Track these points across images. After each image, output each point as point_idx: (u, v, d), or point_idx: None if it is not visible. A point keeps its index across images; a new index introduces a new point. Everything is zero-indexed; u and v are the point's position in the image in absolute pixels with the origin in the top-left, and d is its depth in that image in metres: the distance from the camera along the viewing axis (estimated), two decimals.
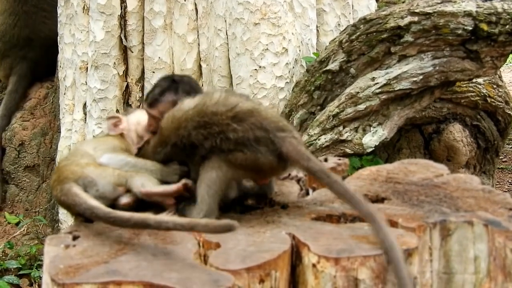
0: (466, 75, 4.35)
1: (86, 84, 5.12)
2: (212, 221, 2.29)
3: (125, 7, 4.99)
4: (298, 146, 2.46)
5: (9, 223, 5.50)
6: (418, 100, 4.44)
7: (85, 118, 5.14)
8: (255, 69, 4.61)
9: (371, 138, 4.38)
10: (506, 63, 7.07)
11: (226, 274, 2.12)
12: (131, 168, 2.62)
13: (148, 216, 2.32)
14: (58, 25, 5.43)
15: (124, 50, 5.04)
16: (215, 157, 2.45)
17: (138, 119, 2.82)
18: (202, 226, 2.25)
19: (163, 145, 2.59)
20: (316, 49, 4.90)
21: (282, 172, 2.57)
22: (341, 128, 4.37)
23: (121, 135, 2.82)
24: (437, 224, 2.42)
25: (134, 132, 2.81)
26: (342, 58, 4.45)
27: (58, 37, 5.44)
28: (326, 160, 3.11)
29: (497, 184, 6.44)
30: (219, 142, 2.44)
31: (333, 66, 4.46)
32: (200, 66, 4.95)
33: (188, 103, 2.55)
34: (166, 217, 2.32)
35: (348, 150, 4.35)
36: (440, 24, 4.25)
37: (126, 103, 5.06)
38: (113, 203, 2.56)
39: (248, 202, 2.71)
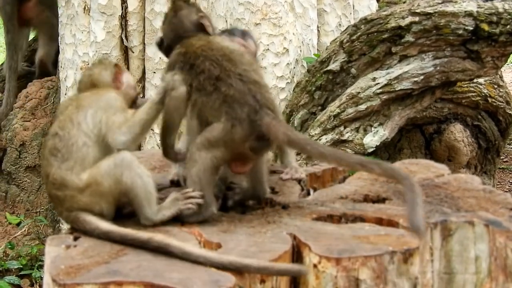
0: (467, 75, 4.35)
1: None
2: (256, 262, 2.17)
3: (126, 7, 5.00)
4: (281, 122, 2.43)
5: (10, 223, 5.50)
6: (419, 100, 4.44)
7: None
8: None
9: (372, 138, 4.38)
10: (507, 63, 7.07)
11: (227, 274, 2.12)
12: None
13: (171, 242, 2.23)
14: (59, 26, 5.43)
15: (125, 51, 5.04)
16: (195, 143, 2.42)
17: (129, 80, 2.62)
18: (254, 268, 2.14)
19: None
20: (317, 49, 4.90)
21: (256, 155, 2.47)
22: (342, 128, 4.37)
23: (117, 89, 2.56)
24: (438, 224, 2.42)
25: (129, 95, 2.59)
26: (343, 58, 4.45)
27: (59, 38, 5.45)
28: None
29: (498, 184, 6.44)
30: (207, 83, 2.41)
31: (334, 66, 4.47)
32: None
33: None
34: (197, 249, 2.22)
35: (349, 150, 4.35)
36: (441, 24, 4.25)
37: None
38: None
39: (249, 202, 2.71)
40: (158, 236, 2.26)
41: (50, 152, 2.41)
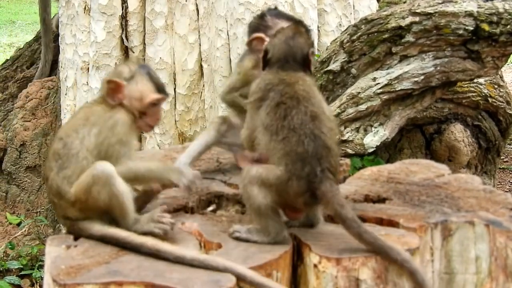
0: (467, 75, 4.35)
1: (87, 84, 5.12)
2: None
3: (126, 7, 5.00)
4: (336, 191, 2.34)
5: (10, 223, 5.51)
6: (419, 100, 4.44)
7: None
8: None
9: (372, 138, 4.38)
10: (507, 63, 7.06)
11: (227, 275, 2.12)
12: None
13: (162, 248, 2.22)
14: (60, 26, 5.43)
15: (125, 51, 5.05)
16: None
17: (141, 92, 2.45)
18: None
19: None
20: (317, 49, 4.90)
21: (307, 208, 2.41)
22: (342, 128, 4.37)
23: (120, 104, 2.45)
24: (438, 224, 2.42)
25: (135, 107, 2.45)
26: (343, 58, 4.45)
27: (59, 38, 5.45)
28: None
29: (498, 184, 6.44)
30: (282, 114, 2.36)
31: (334, 66, 4.46)
32: (201, 67, 4.95)
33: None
34: (189, 253, 2.20)
35: (349, 150, 4.35)
36: (441, 24, 4.25)
37: None
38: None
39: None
40: (150, 242, 2.26)
41: (53, 155, 2.40)
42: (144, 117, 2.45)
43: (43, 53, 6.09)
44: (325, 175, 2.32)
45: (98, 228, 2.35)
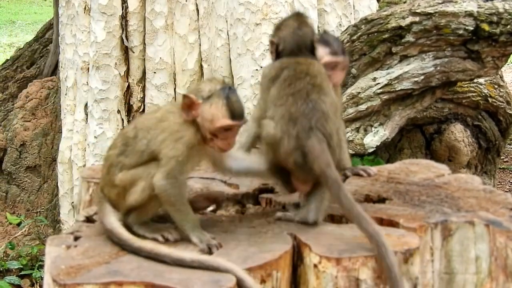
0: (468, 75, 4.35)
1: (87, 84, 5.12)
2: None
3: (126, 7, 5.00)
4: (324, 150, 2.39)
5: (10, 223, 5.51)
6: (419, 100, 4.44)
7: (86, 119, 5.15)
8: (257, 70, 4.61)
9: (373, 138, 4.38)
10: (507, 63, 7.07)
11: (227, 275, 2.12)
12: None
13: (160, 251, 2.24)
14: (60, 26, 5.43)
15: (125, 51, 5.05)
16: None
17: (213, 115, 2.39)
18: None
19: None
20: None
21: (303, 174, 2.45)
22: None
23: (193, 121, 2.40)
24: (438, 224, 2.42)
25: (206, 128, 2.40)
26: None
27: (60, 38, 5.45)
28: None
29: (498, 184, 6.44)
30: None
31: None
32: (201, 67, 4.95)
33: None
34: (188, 254, 2.21)
35: (349, 151, 4.35)
36: (441, 24, 4.25)
37: (128, 103, 5.06)
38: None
39: (249, 205, 2.71)
40: (149, 245, 2.27)
41: (122, 137, 2.46)
42: (216, 139, 2.40)
43: (52, 51, 6.06)
44: (314, 133, 2.39)
45: (111, 221, 2.38)
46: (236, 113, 2.39)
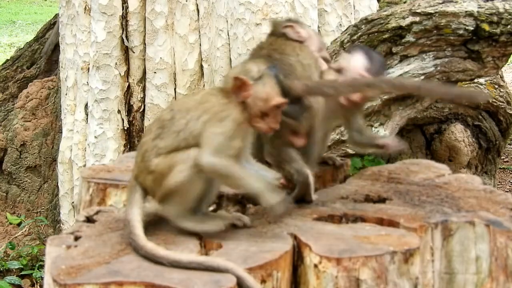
0: (468, 75, 4.35)
1: (88, 84, 5.12)
2: None
3: (127, 7, 5.00)
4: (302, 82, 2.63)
5: (10, 223, 5.51)
6: (419, 100, 4.44)
7: (87, 119, 5.15)
8: None
9: None
10: (507, 63, 7.06)
11: (227, 275, 2.12)
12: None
13: (158, 252, 2.23)
14: (60, 26, 5.43)
15: (126, 51, 5.04)
16: None
17: (268, 94, 2.43)
18: None
19: None
20: None
21: (294, 121, 2.60)
22: (342, 128, 4.37)
23: (242, 102, 2.43)
24: (439, 224, 2.42)
25: (258, 108, 2.43)
26: None
27: (60, 38, 5.45)
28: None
29: (498, 184, 6.44)
30: None
31: (335, 66, 4.46)
32: (201, 67, 4.95)
33: None
34: (185, 256, 2.20)
35: (349, 151, 4.35)
36: (442, 24, 4.25)
37: (128, 103, 5.06)
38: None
39: (249, 205, 2.71)
40: (148, 245, 2.26)
41: (158, 121, 2.44)
42: (266, 118, 2.43)
43: (54, 31, 6.03)
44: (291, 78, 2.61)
45: (132, 211, 2.37)
46: (285, 91, 2.47)
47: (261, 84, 2.42)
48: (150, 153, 2.40)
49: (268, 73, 2.45)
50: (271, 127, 2.44)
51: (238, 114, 2.41)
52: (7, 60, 6.67)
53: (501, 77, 5.22)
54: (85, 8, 5.12)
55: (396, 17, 4.35)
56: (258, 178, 2.40)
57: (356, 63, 2.80)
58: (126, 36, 5.01)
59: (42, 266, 4.75)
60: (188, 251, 2.27)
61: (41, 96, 5.88)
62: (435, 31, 4.27)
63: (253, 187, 2.37)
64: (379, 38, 4.36)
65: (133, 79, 5.06)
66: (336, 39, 4.60)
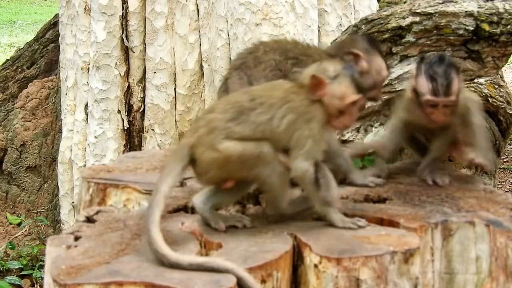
0: (468, 75, 4.35)
1: (88, 84, 5.12)
2: None
3: (127, 7, 5.00)
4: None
5: (10, 223, 5.50)
6: None
7: (87, 119, 5.15)
8: None
9: (373, 139, 4.38)
10: (507, 63, 7.07)
11: (227, 275, 2.12)
12: None
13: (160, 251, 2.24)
14: (60, 26, 5.43)
15: (126, 51, 5.04)
16: None
17: (343, 92, 2.48)
18: None
19: None
20: None
21: None
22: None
23: (319, 100, 2.48)
24: (439, 224, 2.42)
25: (334, 106, 2.48)
26: None
27: (60, 38, 5.45)
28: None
29: (498, 185, 6.44)
30: None
31: None
32: (201, 67, 4.95)
33: None
34: (186, 257, 2.20)
35: (349, 151, 4.35)
36: (442, 24, 4.25)
37: (128, 103, 5.06)
38: None
39: (249, 204, 2.71)
40: (158, 236, 2.25)
41: (235, 102, 2.45)
42: (341, 116, 2.49)
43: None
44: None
45: (161, 184, 2.35)
46: (360, 89, 2.51)
47: (336, 82, 2.47)
48: (221, 132, 2.38)
49: (344, 73, 2.49)
50: (346, 125, 2.52)
51: (322, 114, 2.46)
52: (7, 60, 6.67)
53: (501, 77, 5.21)
54: (85, 8, 5.12)
55: (396, 17, 4.35)
56: (326, 196, 2.46)
57: (422, 88, 2.82)
58: (126, 36, 5.01)
59: (42, 266, 4.75)
60: (188, 251, 2.27)
61: (41, 96, 5.88)
62: (435, 31, 4.27)
63: (320, 203, 2.46)
64: (379, 38, 4.36)
65: (133, 79, 5.06)
66: (336, 39, 4.60)
